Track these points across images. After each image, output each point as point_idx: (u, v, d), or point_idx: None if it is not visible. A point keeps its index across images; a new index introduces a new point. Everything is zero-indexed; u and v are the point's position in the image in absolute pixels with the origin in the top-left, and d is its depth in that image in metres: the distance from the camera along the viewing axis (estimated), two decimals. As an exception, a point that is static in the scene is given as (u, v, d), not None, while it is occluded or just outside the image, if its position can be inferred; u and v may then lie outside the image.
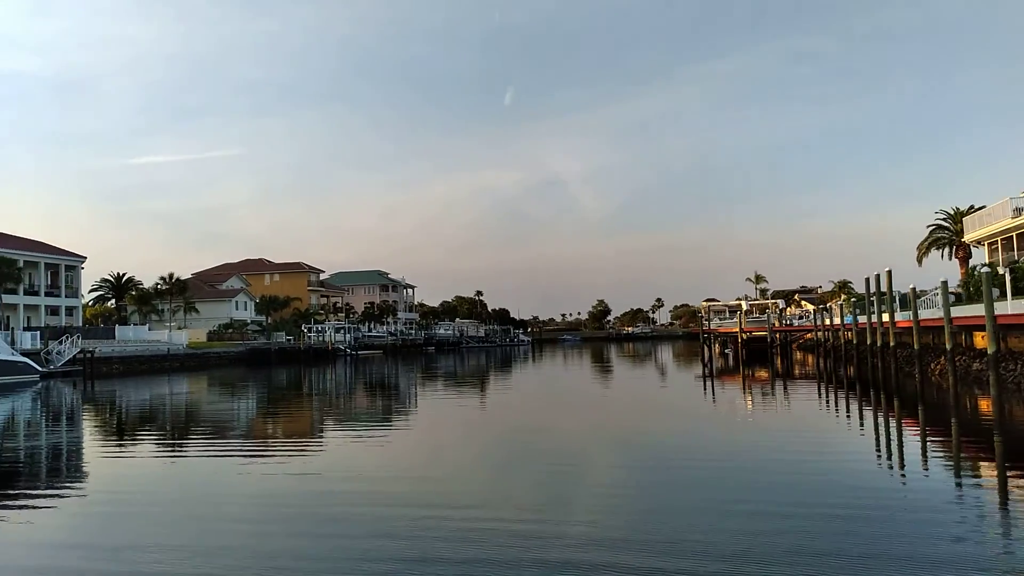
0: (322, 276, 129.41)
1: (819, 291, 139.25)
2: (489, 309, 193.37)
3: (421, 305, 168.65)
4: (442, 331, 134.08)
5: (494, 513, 10.82)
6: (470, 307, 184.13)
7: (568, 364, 68.18)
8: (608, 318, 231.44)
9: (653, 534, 9.41)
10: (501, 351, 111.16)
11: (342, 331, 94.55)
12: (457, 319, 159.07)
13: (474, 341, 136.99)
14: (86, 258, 73.30)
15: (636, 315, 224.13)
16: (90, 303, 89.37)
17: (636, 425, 22.10)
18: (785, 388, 33.31)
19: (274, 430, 24.15)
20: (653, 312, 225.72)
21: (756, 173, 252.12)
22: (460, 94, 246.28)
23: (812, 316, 70.35)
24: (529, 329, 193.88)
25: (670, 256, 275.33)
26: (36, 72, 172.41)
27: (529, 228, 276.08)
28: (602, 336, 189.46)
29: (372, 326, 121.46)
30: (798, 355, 65.55)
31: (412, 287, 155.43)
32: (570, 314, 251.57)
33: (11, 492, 13.92)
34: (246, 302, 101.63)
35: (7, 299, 61.29)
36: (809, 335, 67.35)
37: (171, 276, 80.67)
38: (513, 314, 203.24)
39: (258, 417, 28.27)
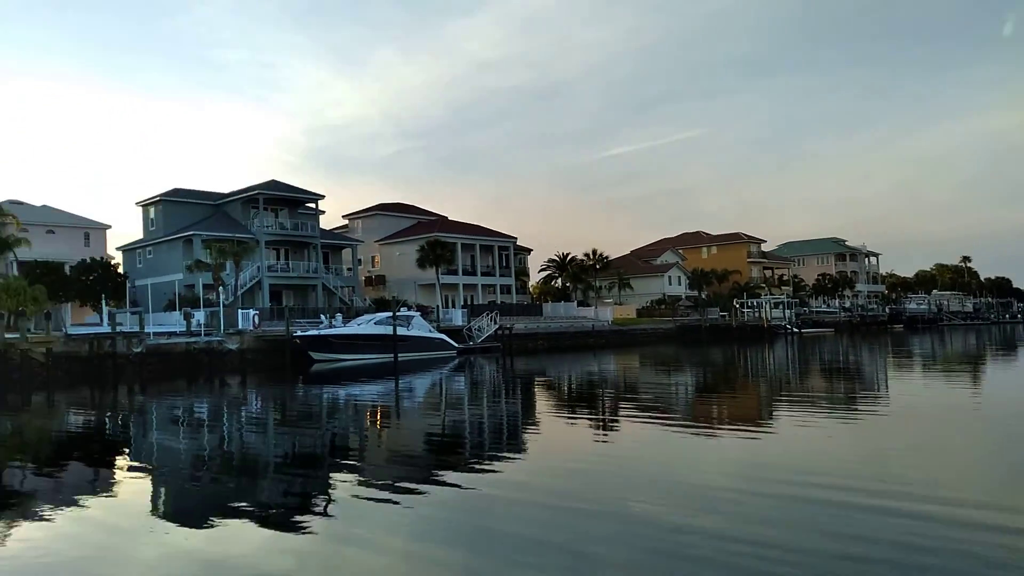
0: (766, 247, 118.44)
1: None
2: (981, 278, 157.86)
3: (890, 275, 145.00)
4: (913, 305, 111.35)
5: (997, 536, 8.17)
6: (953, 277, 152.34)
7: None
8: None
9: None
10: (997, 329, 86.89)
11: (780, 306, 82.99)
12: (934, 291, 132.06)
13: (957, 317, 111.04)
14: (516, 239, 76.00)
15: None
16: (538, 282, 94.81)
17: None
18: None
19: (717, 411, 22.21)
20: None
21: None
22: (944, 34, 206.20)
23: None
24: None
25: None
26: (525, 85, 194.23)
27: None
28: None
29: (825, 300, 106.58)
30: None
31: (876, 255, 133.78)
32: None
33: (452, 461, 14.29)
34: (679, 276, 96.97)
35: (445, 279, 65.78)
36: None
37: (594, 252, 79.85)
38: (1017, 284, 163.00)
39: (698, 396, 26.49)
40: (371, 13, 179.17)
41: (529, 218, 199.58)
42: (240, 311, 45.70)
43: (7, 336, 32.58)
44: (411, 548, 8.72)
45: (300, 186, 63.85)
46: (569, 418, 20.92)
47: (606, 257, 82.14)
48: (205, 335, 39.95)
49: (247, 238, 56.49)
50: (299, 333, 42.86)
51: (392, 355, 43.12)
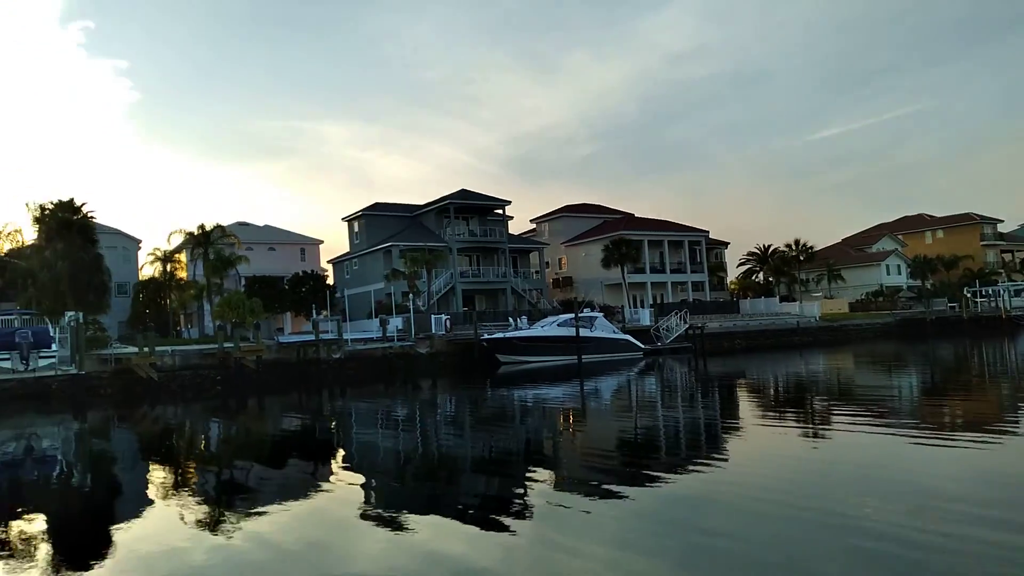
0: (1003, 228, 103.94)
1: None
2: None
3: None
4: None
5: None
6: None
7: None
8: None
9: None
10: None
11: (1023, 294, 72.06)
12: None
13: None
14: (707, 232, 72.53)
15: None
16: (738, 277, 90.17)
17: None
18: None
19: (949, 414, 19.56)
20: None
21: None
22: None
23: None
24: None
25: None
26: (721, 73, 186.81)
27: None
28: None
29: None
30: None
31: None
32: None
33: (648, 466, 13.87)
34: (899, 265, 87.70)
35: (632, 278, 64.12)
36: None
37: (797, 242, 74.14)
38: None
39: (924, 398, 23.68)
40: (562, 18, 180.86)
41: (728, 211, 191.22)
42: (433, 316, 47.44)
43: (225, 345, 36.01)
44: (613, 555, 8.48)
45: (494, 195, 65.35)
46: (774, 423, 19.29)
47: (811, 247, 76.14)
48: (398, 340, 41.78)
49: (439, 246, 58.65)
50: (486, 336, 43.58)
51: (576, 357, 42.55)
